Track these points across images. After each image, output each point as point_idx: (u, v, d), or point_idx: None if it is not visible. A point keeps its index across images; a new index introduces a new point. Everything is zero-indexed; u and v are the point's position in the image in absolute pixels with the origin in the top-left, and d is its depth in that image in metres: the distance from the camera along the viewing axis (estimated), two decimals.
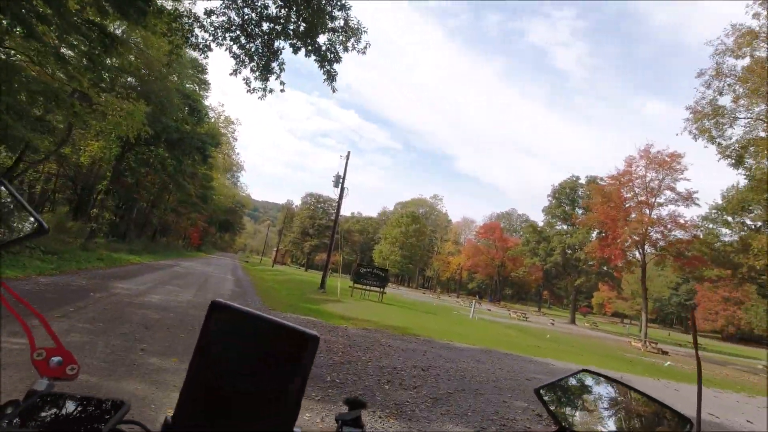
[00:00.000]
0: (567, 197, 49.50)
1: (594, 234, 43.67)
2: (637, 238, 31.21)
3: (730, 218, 35.10)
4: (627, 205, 32.81)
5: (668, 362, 19.10)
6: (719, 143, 21.32)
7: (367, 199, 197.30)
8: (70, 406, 0.69)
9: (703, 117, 21.41)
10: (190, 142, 24.24)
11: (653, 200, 31.91)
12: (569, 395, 1.02)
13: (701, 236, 32.66)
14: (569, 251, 47.75)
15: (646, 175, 32.13)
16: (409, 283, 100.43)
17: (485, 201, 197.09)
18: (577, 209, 47.65)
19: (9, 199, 0.79)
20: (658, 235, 31.64)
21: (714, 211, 35.87)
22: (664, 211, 32.21)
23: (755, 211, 33.75)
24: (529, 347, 15.41)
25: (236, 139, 55.48)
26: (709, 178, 34.23)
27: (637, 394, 0.97)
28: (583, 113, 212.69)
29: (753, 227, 34.08)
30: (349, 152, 25.00)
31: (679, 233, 31.45)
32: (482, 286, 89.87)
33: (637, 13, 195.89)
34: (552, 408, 0.94)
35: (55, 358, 0.74)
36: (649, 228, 30.85)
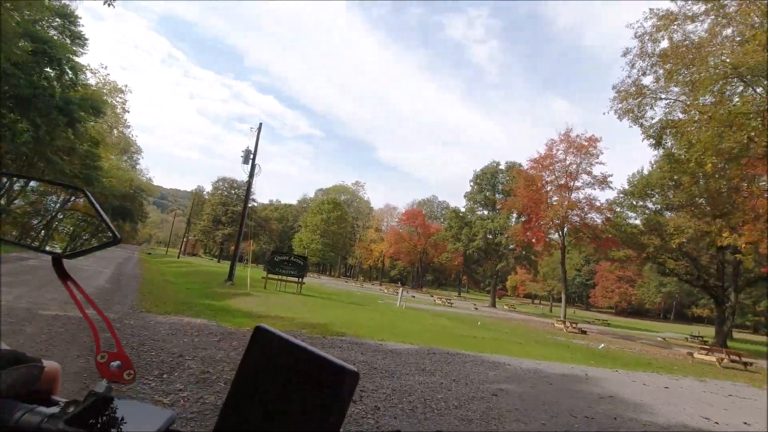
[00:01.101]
0: (488, 183, 50.05)
1: (514, 218, 44.43)
2: (558, 221, 31.60)
3: (635, 202, 37.31)
4: (548, 189, 33.18)
5: (602, 344, 18.77)
6: (641, 123, 21.48)
7: (289, 187, 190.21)
8: (124, 410, 0.70)
9: (627, 96, 21.34)
10: (48, 102, 19.07)
11: (572, 183, 32.51)
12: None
13: (613, 219, 33.97)
14: (491, 236, 48.35)
15: (566, 159, 32.65)
16: (331, 271, 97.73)
17: (406, 190, 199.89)
18: (497, 195, 48.23)
19: (91, 209, 0.84)
20: (576, 218, 32.33)
21: (621, 195, 37.90)
22: (581, 195, 33.01)
23: (656, 195, 36.16)
24: (468, 340, 13.74)
25: (128, 111, 48.39)
26: (630, 161, 35.79)
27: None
28: (497, 107, 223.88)
29: (655, 210, 36.50)
30: (261, 124, 21.62)
31: (595, 216, 32.37)
32: (404, 273, 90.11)
33: (544, 15, 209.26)
34: None
35: (115, 362, 0.75)
36: (568, 211, 31.32)
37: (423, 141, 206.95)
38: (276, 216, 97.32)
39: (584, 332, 27.76)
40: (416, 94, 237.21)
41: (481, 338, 14.93)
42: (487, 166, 50.72)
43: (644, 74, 21.10)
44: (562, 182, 32.42)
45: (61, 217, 0.91)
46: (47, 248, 0.85)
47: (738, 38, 18.84)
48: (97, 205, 0.83)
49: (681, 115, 20.68)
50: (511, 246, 46.02)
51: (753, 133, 15.69)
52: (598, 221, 32.62)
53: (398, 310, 23.39)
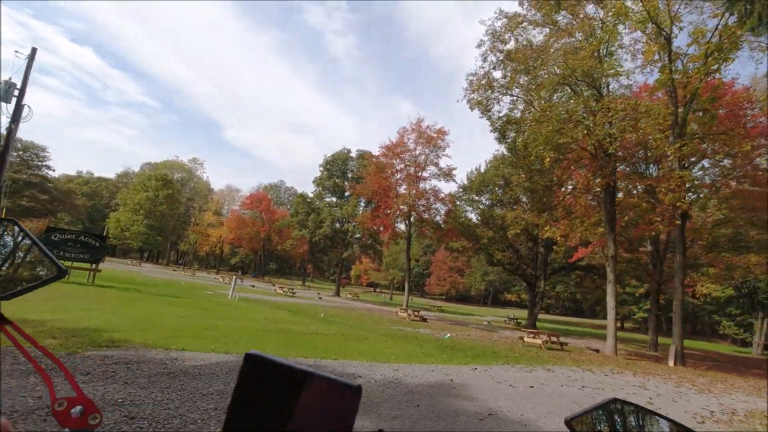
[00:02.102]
0: (339, 169, 48.60)
1: (362, 207, 43.82)
2: (406, 209, 31.53)
3: (473, 197, 40.07)
4: (398, 177, 32.98)
5: (447, 334, 18.40)
6: (490, 116, 22.09)
7: (111, 161, 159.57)
8: None
9: (478, 87, 21.63)
10: None
11: (421, 174, 32.83)
12: (601, 426, 0.99)
13: (454, 211, 35.54)
14: (338, 224, 47.05)
15: (416, 149, 32.82)
16: (159, 258, 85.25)
17: (255, 174, 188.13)
18: (347, 182, 47.10)
19: (26, 242, 0.78)
20: (423, 208, 32.80)
21: (461, 190, 40.32)
22: (428, 185, 33.62)
23: (489, 192, 39.38)
24: (309, 339, 11.34)
25: None
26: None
27: (670, 423, 0.93)
28: (351, 101, 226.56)
29: (488, 206, 39.76)
30: (34, 49, 15.35)
31: (440, 206, 33.28)
32: (246, 261, 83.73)
33: (399, 19, 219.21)
34: None
35: (77, 408, 0.71)
36: (416, 200, 31.49)
37: (275, 125, 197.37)
38: (85, 190, 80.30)
39: (425, 320, 28.15)
40: (269, 76, 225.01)
41: (324, 335, 12.69)
42: (338, 152, 49.22)
43: (494, 68, 21.59)
44: (412, 171, 32.54)
45: None
46: None
47: (570, 47, 20.51)
48: (33, 236, 0.75)
49: (523, 111, 21.71)
50: (358, 235, 45.44)
51: (587, 131, 16.87)
52: (442, 212, 33.67)
53: (229, 303, 19.77)
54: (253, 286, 39.88)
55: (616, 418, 0.99)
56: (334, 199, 49.57)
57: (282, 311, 19.44)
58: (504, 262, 39.02)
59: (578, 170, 24.24)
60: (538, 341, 19.02)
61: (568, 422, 0.91)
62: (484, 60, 21.69)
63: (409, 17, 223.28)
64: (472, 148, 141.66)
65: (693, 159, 23.29)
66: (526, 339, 19.57)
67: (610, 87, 21.89)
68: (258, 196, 68.39)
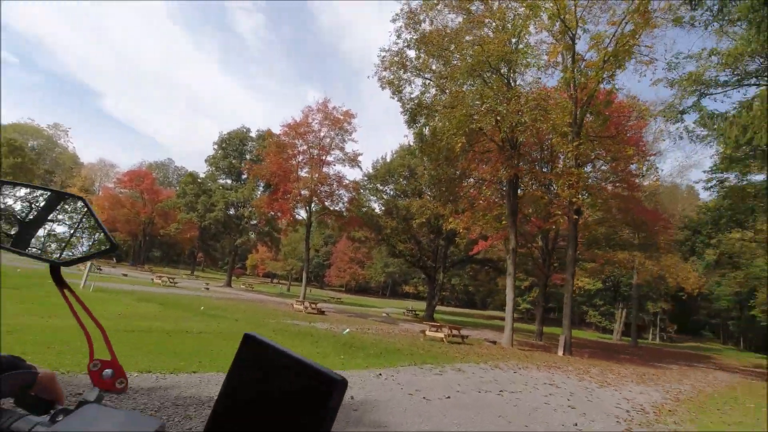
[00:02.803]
0: (236, 149, 44.21)
1: (261, 191, 40.40)
2: (307, 194, 29.25)
3: (378, 186, 39.06)
4: (301, 159, 30.51)
5: (346, 329, 16.72)
6: (401, 98, 20.84)
7: None
8: (112, 419, 0.70)
9: (390, 65, 20.24)
10: None
11: (325, 157, 30.75)
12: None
13: (358, 199, 34.13)
14: (233, 208, 42.88)
15: (321, 131, 30.64)
16: None
17: (142, 152, 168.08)
18: (244, 164, 43.03)
19: (89, 217, 0.87)
20: (325, 194, 30.81)
21: (366, 178, 39.07)
22: (332, 171, 31.74)
23: (394, 182, 38.72)
24: (171, 340, 8.86)
25: None
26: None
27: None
28: (257, 83, 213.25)
29: (392, 196, 39.08)
30: None
31: (343, 193, 31.58)
32: (124, 248, 73.64)
33: (312, 9, 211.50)
34: None
35: (108, 371, 0.77)
36: (319, 185, 29.38)
37: (169, 100, 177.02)
38: None
39: (323, 312, 26.38)
40: (165, 46, 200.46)
41: (195, 334, 10.24)
42: (235, 130, 44.72)
43: (409, 47, 20.36)
44: (315, 154, 30.29)
45: (59, 224, 0.88)
46: (45, 256, 0.83)
47: (483, 38, 20.09)
48: (95, 214, 0.83)
49: (435, 97, 20.82)
50: (254, 221, 41.86)
51: (499, 118, 16.36)
52: (346, 199, 31.99)
53: (79, 294, 15.91)
54: (125, 275, 34.40)
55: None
56: (230, 182, 45.13)
57: (151, 304, 16.16)
58: (406, 253, 38.74)
59: (483, 166, 24.27)
60: (440, 335, 18.34)
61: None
62: (398, 36, 20.36)
63: (321, 6, 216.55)
64: (379, 145, 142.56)
65: (585, 160, 24.51)
66: (428, 333, 18.79)
67: (518, 83, 22.02)
68: (139, 173, 59.98)
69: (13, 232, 0.90)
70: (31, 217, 0.90)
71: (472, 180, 25.88)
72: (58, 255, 0.84)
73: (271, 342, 0.61)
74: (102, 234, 0.84)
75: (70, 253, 0.84)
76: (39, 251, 0.86)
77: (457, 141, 17.88)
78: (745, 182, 24.71)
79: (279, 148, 29.34)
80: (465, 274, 63.43)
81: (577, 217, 20.34)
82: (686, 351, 41.01)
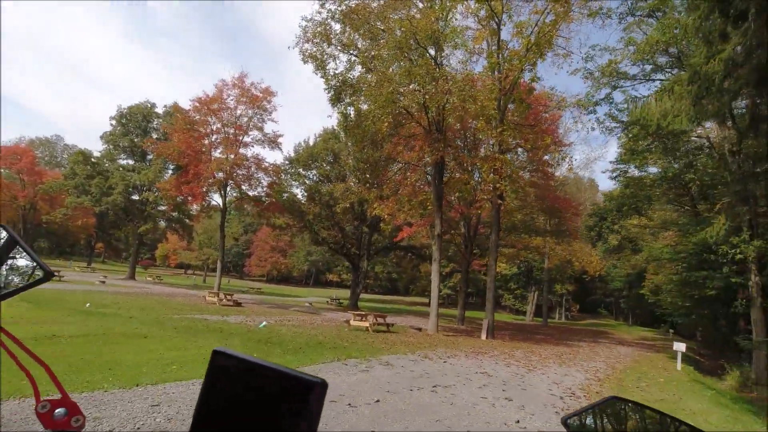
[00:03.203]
0: (138, 126, 39.42)
1: (170, 173, 36.57)
2: (222, 177, 26.74)
3: (301, 170, 37.17)
4: (214, 138, 27.78)
5: (263, 322, 15.20)
6: (325, 73, 19.37)
7: None
8: None
9: (314, 37, 18.70)
10: None
11: (242, 137, 28.33)
12: (599, 424, 0.97)
13: (279, 184, 32.20)
14: (136, 193, 38.38)
15: (237, 109, 28.11)
16: None
17: (25, 130, 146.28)
18: (145, 141, 38.50)
19: (13, 246, 0.79)
20: (242, 177, 28.48)
21: (287, 162, 36.99)
22: (250, 152, 29.48)
23: (322, 166, 37.12)
24: (32, 347, 6.91)
25: None
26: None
27: (670, 420, 0.90)
28: (167, 60, 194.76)
29: (315, 181, 37.44)
30: None
31: (262, 177, 29.45)
32: None
33: None
34: None
35: (60, 410, 0.71)
36: (234, 167, 26.99)
37: (60, 73, 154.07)
38: None
39: (239, 304, 24.50)
40: (52, 8, 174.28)
41: (67, 338, 8.31)
42: (138, 104, 39.84)
43: (333, 18, 18.96)
44: (231, 133, 27.74)
45: None
46: None
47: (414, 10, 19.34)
48: (21, 241, 0.76)
49: (361, 75, 19.70)
50: (163, 206, 37.88)
51: (427, 96, 15.69)
52: (265, 183, 29.89)
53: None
54: None
55: (615, 416, 0.95)
56: (132, 162, 40.31)
57: (21, 303, 13.38)
58: (329, 240, 37.51)
59: (409, 153, 23.76)
60: (365, 324, 17.55)
61: (565, 421, 0.87)
62: (322, 6, 18.86)
63: None
64: (303, 131, 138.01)
65: (507, 147, 24.99)
66: (352, 322, 17.90)
67: (445, 65, 21.64)
68: (15, 150, 51.47)
69: None
70: None
71: (398, 165, 25.33)
72: None
73: (242, 354, 0.58)
74: (32, 262, 0.76)
75: (2, 288, 0.76)
76: None
77: (384, 121, 17.00)
78: (643, 173, 26.93)
79: (187, 125, 26.37)
80: (389, 262, 63.72)
81: (501, 202, 20.56)
82: (588, 328, 44.69)
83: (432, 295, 20.84)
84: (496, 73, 20.59)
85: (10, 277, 0.79)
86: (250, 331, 12.96)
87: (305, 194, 35.38)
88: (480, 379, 8.84)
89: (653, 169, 26.28)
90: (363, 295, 60.52)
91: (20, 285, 0.76)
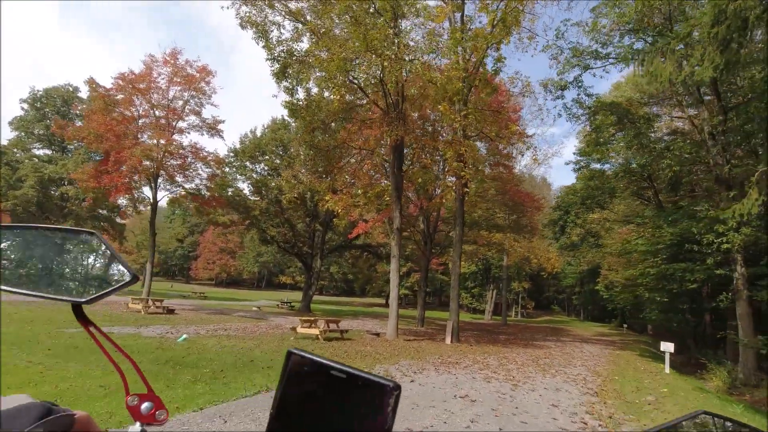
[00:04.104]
0: (57, 111, 34.55)
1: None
2: (151, 166, 23.25)
3: (247, 163, 33.93)
4: (141, 122, 24.19)
5: (184, 335, 12.27)
6: (268, 42, 16.64)
7: None
8: None
9: None
10: None
11: (176, 123, 24.94)
12: None
13: (221, 176, 28.99)
14: (54, 187, 33.56)
15: (169, 89, 24.67)
16: None
17: None
18: (53, 123, 33.66)
19: (104, 251, 0.86)
20: (176, 168, 25.09)
21: (232, 154, 33.69)
22: (186, 140, 26.16)
23: (271, 159, 34.05)
24: None
25: None
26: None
27: None
28: (101, 28, 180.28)
29: (263, 175, 34.33)
30: None
31: (201, 168, 26.16)
32: None
33: None
34: None
35: (146, 404, 0.76)
36: (167, 155, 23.59)
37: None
38: None
39: (172, 311, 21.37)
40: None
41: None
42: (57, 86, 34.93)
43: None
44: (162, 116, 24.27)
45: (77, 262, 0.89)
46: (66, 296, 0.81)
47: None
48: (111, 246, 0.83)
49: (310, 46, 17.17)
50: (82, 199, 33.32)
51: (386, 63, 13.44)
52: (205, 175, 26.60)
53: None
54: None
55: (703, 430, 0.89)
56: (50, 152, 35.33)
57: None
58: (279, 239, 34.53)
59: (364, 140, 21.51)
60: (315, 331, 15.05)
61: None
62: None
63: None
64: (251, 125, 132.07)
65: (471, 133, 23.33)
66: (299, 329, 15.33)
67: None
68: None
69: (32, 275, 0.87)
70: (48, 258, 0.89)
71: (353, 154, 23.06)
72: (80, 294, 0.81)
73: (315, 356, 0.59)
74: (121, 266, 0.82)
75: (92, 291, 0.82)
76: (60, 292, 0.83)
77: (336, 93, 14.61)
78: (606, 166, 26.20)
79: (107, 105, 22.66)
80: (344, 262, 61.10)
81: (467, 190, 18.73)
82: (546, 325, 44.30)
83: (391, 296, 18.65)
84: (460, 51, 18.81)
85: (102, 281, 0.84)
86: (162, 346, 10.16)
87: (252, 189, 32.24)
88: (463, 408, 6.68)
89: (616, 162, 25.60)
90: (317, 297, 57.60)
91: (111, 288, 0.79)
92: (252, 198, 32.19)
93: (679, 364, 18.94)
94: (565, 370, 11.89)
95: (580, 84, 19.50)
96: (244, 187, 34.22)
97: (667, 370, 12.55)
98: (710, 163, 14.12)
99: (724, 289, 17.00)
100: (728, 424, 0.90)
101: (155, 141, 23.10)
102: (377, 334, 18.48)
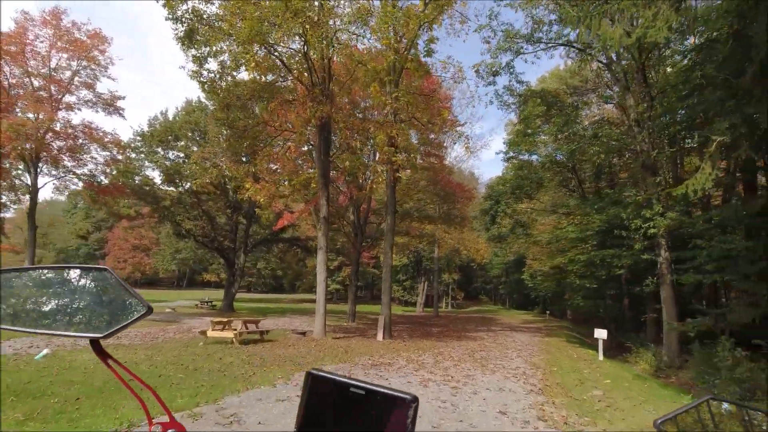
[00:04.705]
0: None
1: None
2: (28, 147, 19.49)
3: (159, 150, 30.24)
4: (15, 92, 20.19)
5: (44, 350, 9.70)
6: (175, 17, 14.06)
7: None
8: None
9: None
10: None
11: (62, 96, 21.23)
12: (694, 426, 0.93)
13: (125, 162, 25.46)
14: None
15: (50, 56, 20.87)
16: None
17: None
18: None
19: (117, 285, 0.87)
20: (64, 149, 21.42)
21: (138, 138, 29.86)
22: (77, 118, 22.32)
23: (184, 142, 30.64)
24: None
25: None
26: None
27: None
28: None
29: (184, 161, 30.83)
30: None
31: (97, 151, 22.62)
32: None
33: None
34: None
35: (170, 431, 0.78)
36: (49, 134, 19.94)
37: None
38: None
39: None
40: None
41: None
42: None
43: None
44: (42, 87, 20.46)
45: (91, 299, 0.89)
46: (83, 332, 0.84)
47: None
48: (122, 281, 0.85)
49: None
50: None
51: (308, 27, 11.73)
52: (101, 159, 23.07)
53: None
54: None
55: (711, 417, 0.91)
56: None
57: None
58: (196, 233, 31.32)
59: (288, 124, 19.57)
60: (229, 334, 13.07)
61: (657, 426, 0.86)
62: None
63: None
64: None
65: (403, 118, 22.29)
66: (210, 333, 13.24)
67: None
68: None
69: (48, 314, 0.88)
70: (63, 297, 0.89)
71: (276, 139, 21.05)
72: (97, 329, 0.83)
73: (334, 375, 0.60)
74: (134, 299, 0.83)
75: (108, 325, 0.83)
76: (77, 329, 0.85)
77: (250, 64, 12.65)
78: (534, 157, 26.50)
79: None
80: (272, 257, 58.03)
81: (399, 175, 17.61)
82: (475, 315, 45.07)
83: (318, 291, 17.06)
84: (391, 30, 17.56)
85: (117, 315, 0.83)
86: (12, 367, 7.76)
87: (163, 177, 28.76)
88: None
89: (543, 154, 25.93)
90: (243, 296, 54.17)
91: (127, 321, 0.80)
92: (165, 188, 28.74)
93: (604, 348, 19.39)
94: (503, 364, 11.12)
95: (512, 69, 19.14)
96: (156, 175, 30.60)
97: (601, 357, 12.29)
98: (637, 150, 14.19)
99: (645, 275, 17.53)
100: (732, 407, 0.91)
101: (32, 115, 19.35)
102: (303, 333, 16.83)
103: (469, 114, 62.53)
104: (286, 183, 20.98)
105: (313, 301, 19.71)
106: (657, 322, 16.56)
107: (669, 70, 15.26)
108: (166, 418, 0.77)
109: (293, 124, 18.57)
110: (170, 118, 31.22)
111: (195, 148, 30.27)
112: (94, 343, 0.79)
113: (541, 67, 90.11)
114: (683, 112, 12.87)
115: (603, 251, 15.50)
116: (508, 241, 42.09)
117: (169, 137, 29.90)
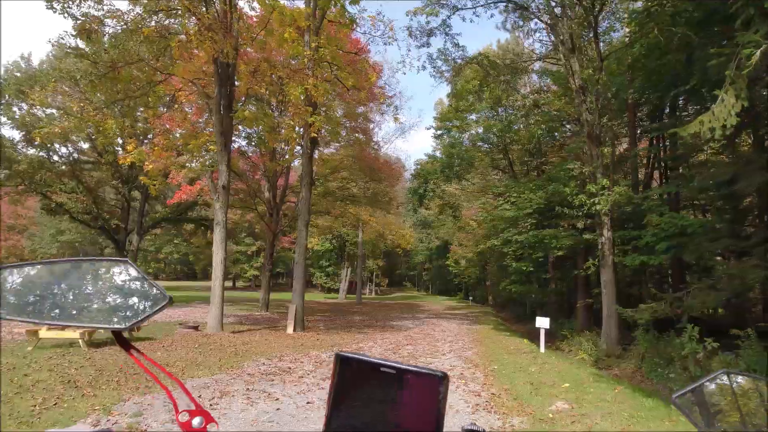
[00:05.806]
0: None
1: None
2: None
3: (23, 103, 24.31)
4: None
5: None
6: None
7: None
8: None
9: None
10: None
11: None
12: (712, 399, 0.94)
13: None
14: None
15: None
16: None
17: None
18: None
19: (137, 276, 0.88)
20: None
21: None
22: None
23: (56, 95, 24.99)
24: None
25: None
26: None
27: None
28: None
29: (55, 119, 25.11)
30: None
31: None
32: None
33: None
34: (695, 415, 0.90)
35: (197, 419, 0.79)
36: None
37: None
38: None
39: None
40: None
41: None
42: None
43: None
44: None
45: (112, 291, 0.90)
46: (106, 324, 0.85)
47: None
48: (141, 272, 0.87)
49: None
50: None
51: None
52: None
53: None
54: None
55: (728, 389, 0.93)
56: None
57: None
58: (74, 209, 26.01)
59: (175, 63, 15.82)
60: (73, 333, 9.59)
61: (674, 400, 0.87)
62: None
63: None
64: None
65: (323, 78, 19.47)
66: (43, 333, 9.58)
67: None
68: None
69: (71, 307, 0.88)
70: (85, 289, 0.90)
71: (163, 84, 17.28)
72: (119, 320, 0.84)
73: (365, 356, 0.62)
74: (155, 289, 0.84)
75: (130, 316, 0.83)
76: (99, 321, 0.86)
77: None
78: (465, 135, 25.12)
79: None
80: (180, 240, 52.14)
81: (315, 135, 14.90)
82: (400, 302, 43.86)
83: (213, 276, 13.91)
84: None
85: (138, 305, 0.85)
86: None
87: (23, 136, 23.12)
88: None
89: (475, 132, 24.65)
90: None
91: (148, 312, 0.81)
92: (25, 151, 23.21)
93: (532, 336, 18.48)
94: (435, 363, 9.08)
95: (447, 29, 17.14)
96: (14, 135, 24.74)
97: (542, 348, 10.78)
98: (581, 119, 12.91)
99: (575, 258, 16.63)
100: (748, 379, 0.91)
101: None
102: (195, 327, 13.64)
103: (398, 91, 60.92)
104: (180, 147, 17.33)
105: (230, 287, 16.59)
106: (588, 308, 15.76)
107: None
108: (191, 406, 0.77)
109: (182, 71, 14.90)
110: (33, 65, 25.41)
111: (69, 102, 24.86)
112: (117, 335, 0.80)
113: (478, 38, 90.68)
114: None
115: (542, 231, 14.20)
116: (434, 226, 41.10)
117: (32, 85, 24.16)
